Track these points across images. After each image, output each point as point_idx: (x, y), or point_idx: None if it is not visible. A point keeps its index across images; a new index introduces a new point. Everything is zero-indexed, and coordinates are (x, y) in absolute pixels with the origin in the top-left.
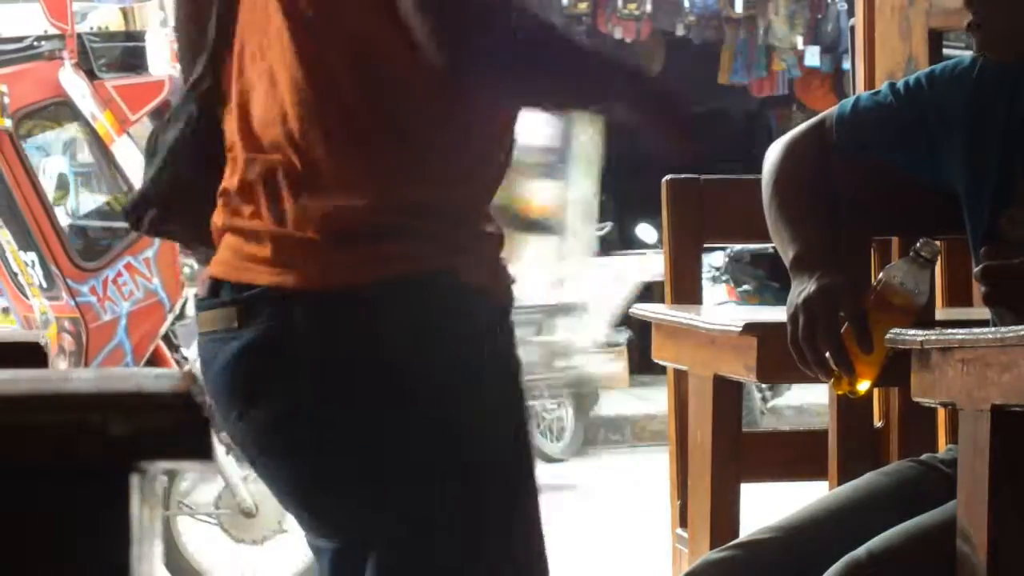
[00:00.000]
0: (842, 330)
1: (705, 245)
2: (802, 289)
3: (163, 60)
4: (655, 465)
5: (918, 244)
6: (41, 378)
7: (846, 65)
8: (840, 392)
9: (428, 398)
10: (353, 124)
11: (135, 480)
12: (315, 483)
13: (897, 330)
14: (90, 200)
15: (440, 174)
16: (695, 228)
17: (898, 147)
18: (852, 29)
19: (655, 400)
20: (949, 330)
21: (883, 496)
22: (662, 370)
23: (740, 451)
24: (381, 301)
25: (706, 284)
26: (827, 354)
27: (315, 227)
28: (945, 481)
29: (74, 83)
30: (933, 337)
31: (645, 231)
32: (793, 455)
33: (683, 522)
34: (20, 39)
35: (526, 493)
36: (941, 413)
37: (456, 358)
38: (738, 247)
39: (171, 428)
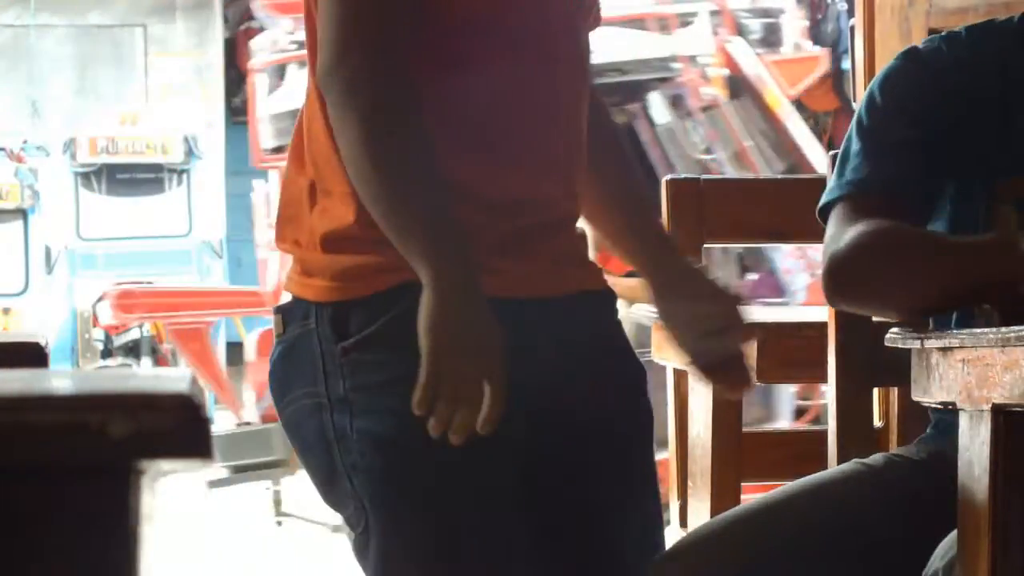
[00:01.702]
0: None
1: (705, 245)
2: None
3: (795, 36)
4: None
5: None
6: (41, 378)
7: (846, 65)
8: None
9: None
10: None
11: (135, 480)
12: (329, 477)
13: (897, 331)
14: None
15: None
16: (695, 228)
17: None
18: (852, 29)
19: (654, 400)
20: (949, 330)
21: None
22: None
23: (740, 451)
24: (383, 309)
25: None
26: None
27: (322, 243)
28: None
29: (745, 56)
30: (933, 337)
31: None
32: (793, 455)
33: (683, 522)
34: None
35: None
36: None
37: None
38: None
39: (171, 428)
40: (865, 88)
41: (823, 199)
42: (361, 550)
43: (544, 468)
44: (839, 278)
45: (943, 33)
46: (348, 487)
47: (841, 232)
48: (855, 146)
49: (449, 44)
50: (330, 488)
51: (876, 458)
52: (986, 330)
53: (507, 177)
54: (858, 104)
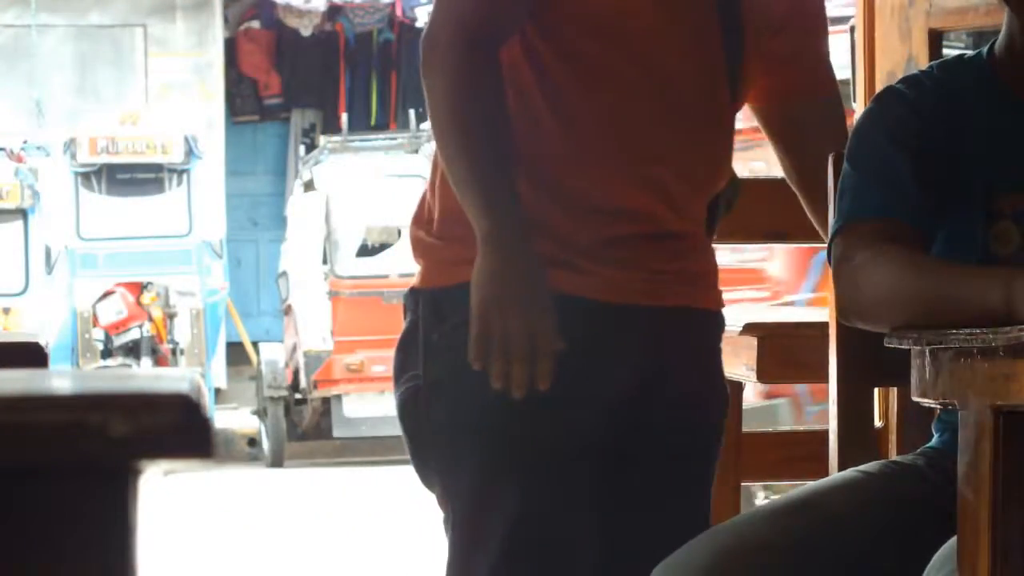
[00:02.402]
0: None
1: None
2: None
3: None
4: None
5: None
6: (41, 378)
7: None
8: None
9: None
10: None
11: (135, 480)
12: (422, 458)
13: (897, 331)
14: None
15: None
16: None
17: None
18: (852, 29)
19: None
20: (949, 330)
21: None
22: None
23: (740, 451)
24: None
25: None
26: None
27: (434, 229)
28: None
29: None
30: (933, 337)
31: None
32: (793, 455)
33: None
34: None
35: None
36: None
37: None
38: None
39: (171, 428)
40: (865, 88)
41: (829, 235)
42: (446, 531)
43: (611, 462)
44: (854, 306)
45: (917, 72)
46: (435, 468)
47: (850, 255)
48: (850, 178)
49: (569, 49)
50: (423, 469)
51: (872, 465)
52: (986, 330)
53: (607, 185)
54: (847, 141)
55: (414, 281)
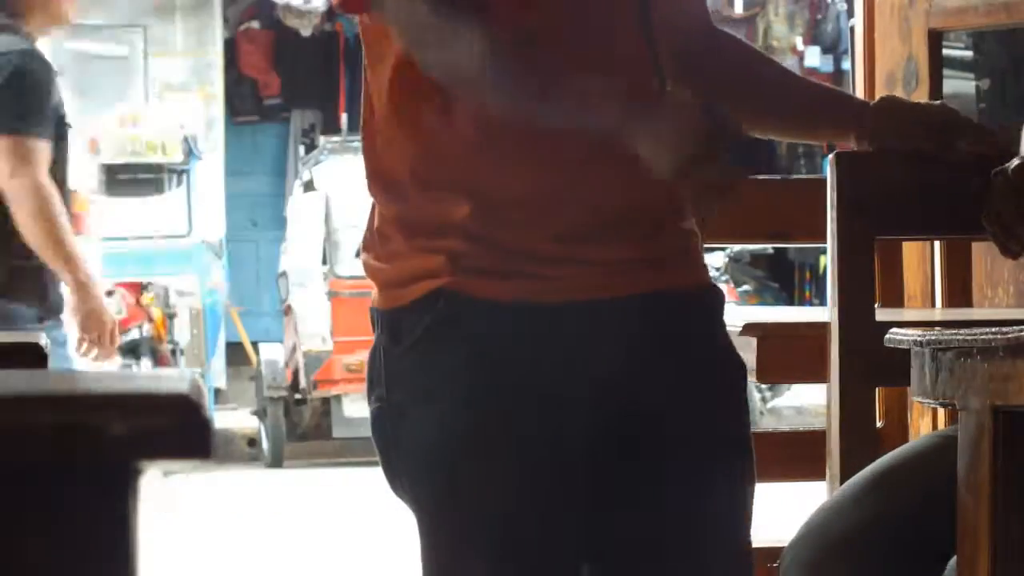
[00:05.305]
0: None
1: (705, 245)
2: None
3: None
4: None
5: None
6: (40, 378)
7: (846, 65)
8: None
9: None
10: None
11: (135, 480)
12: (392, 478)
13: (897, 330)
14: None
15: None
16: None
17: None
18: (852, 29)
19: None
20: (949, 330)
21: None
22: None
23: None
24: (423, 316)
25: None
26: None
27: (379, 253)
28: None
29: None
30: (933, 337)
31: None
32: (793, 455)
33: None
34: None
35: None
36: (941, 413)
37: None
38: (738, 247)
39: (171, 428)
40: (865, 88)
41: None
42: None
43: (588, 474)
44: None
45: None
46: (403, 487)
47: None
48: None
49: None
50: (394, 488)
51: (952, 429)
52: (986, 330)
53: (540, 179)
54: None
55: (374, 300)
